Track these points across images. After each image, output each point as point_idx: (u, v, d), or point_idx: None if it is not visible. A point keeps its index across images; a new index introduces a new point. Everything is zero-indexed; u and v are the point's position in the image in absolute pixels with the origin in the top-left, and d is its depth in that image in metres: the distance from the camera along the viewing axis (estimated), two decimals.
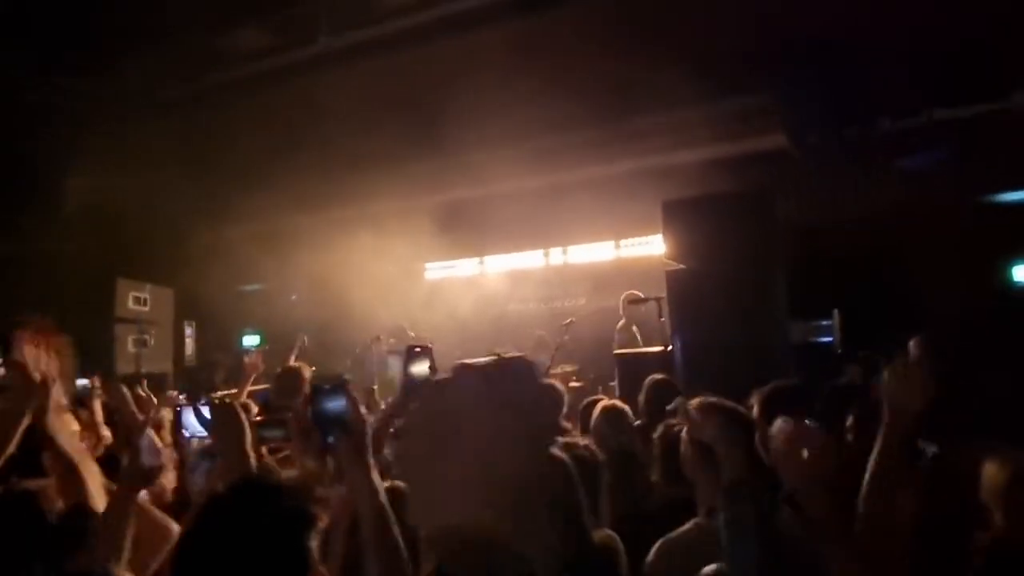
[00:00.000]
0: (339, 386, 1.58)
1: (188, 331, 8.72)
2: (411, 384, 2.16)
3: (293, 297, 10.88)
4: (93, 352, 3.64)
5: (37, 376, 1.95)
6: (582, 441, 2.41)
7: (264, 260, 9.77)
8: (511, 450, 1.09)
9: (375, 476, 1.48)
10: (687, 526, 1.93)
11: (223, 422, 1.75)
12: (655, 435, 2.59)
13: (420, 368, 2.15)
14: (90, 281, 8.28)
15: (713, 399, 2.06)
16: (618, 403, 3.32)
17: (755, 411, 2.18)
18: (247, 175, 9.33)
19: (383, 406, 4.56)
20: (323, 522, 1.28)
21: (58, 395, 2.04)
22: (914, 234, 6.21)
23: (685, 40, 6.01)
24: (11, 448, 1.92)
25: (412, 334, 7.60)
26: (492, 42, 7.73)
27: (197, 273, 9.26)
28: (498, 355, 1.23)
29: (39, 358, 2.05)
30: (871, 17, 5.21)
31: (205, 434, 1.91)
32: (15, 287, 9.64)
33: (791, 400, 2.22)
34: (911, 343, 3.79)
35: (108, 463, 2.41)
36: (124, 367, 7.62)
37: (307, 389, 3.68)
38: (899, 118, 6.11)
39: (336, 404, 1.54)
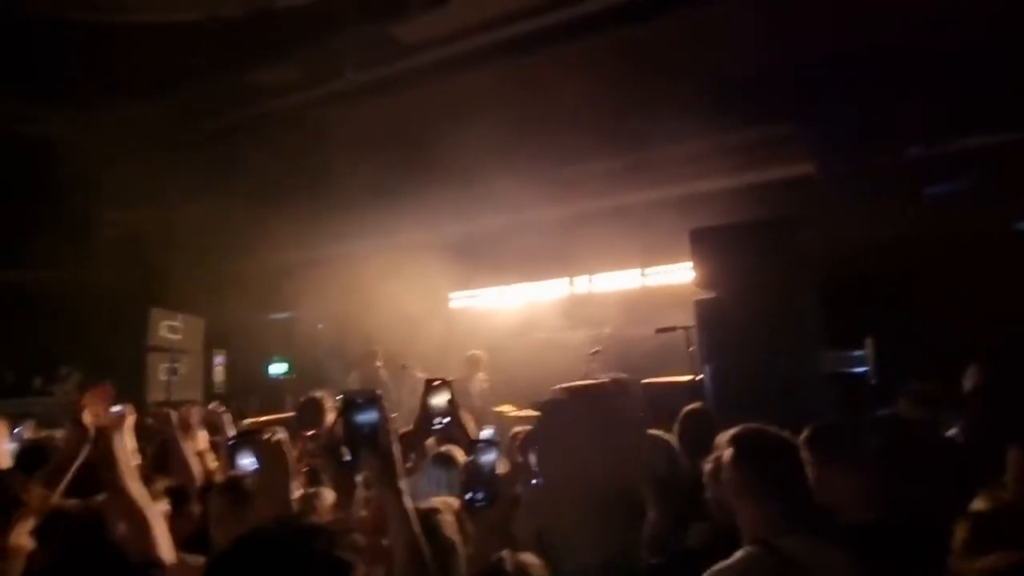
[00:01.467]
0: (372, 400, 1.56)
1: (218, 359, 8.84)
2: (429, 416, 2.18)
3: (320, 326, 10.99)
4: (125, 380, 3.70)
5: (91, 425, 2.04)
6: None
7: (291, 289, 9.92)
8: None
9: (407, 501, 1.47)
10: (737, 555, 1.89)
11: (269, 460, 1.78)
12: (707, 462, 2.56)
13: (439, 400, 2.19)
14: (124, 310, 8.46)
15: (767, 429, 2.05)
16: (661, 433, 3.27)
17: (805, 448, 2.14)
18: (275, 206, 9.53)
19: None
20: (360, 572, 1.22)
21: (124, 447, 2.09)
22: (944, 262, 6.11)
23: (711, 67, 6.07)
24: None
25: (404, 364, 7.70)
26: (516, 72, 7.89)
27: (227, 302, 9.43)
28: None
29: (98, 412, 2.14)
30: (898, 43, 5.22)
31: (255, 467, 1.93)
32: (53, 316, 9.91)
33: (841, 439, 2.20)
34: (969, 373, 3.71)
35: None
36: (155, 395, 7.73)
37: (329, 418, 3.71)
38: (927, 145, 6.07)
39: (368, 417, 1.53)
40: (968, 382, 4.25)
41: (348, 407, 1.56)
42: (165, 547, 1.88)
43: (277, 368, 11.37)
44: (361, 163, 8.64)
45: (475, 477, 1.79)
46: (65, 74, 8.62)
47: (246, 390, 10.32)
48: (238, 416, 7.92)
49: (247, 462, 2.04)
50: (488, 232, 9.11)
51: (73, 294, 10.13)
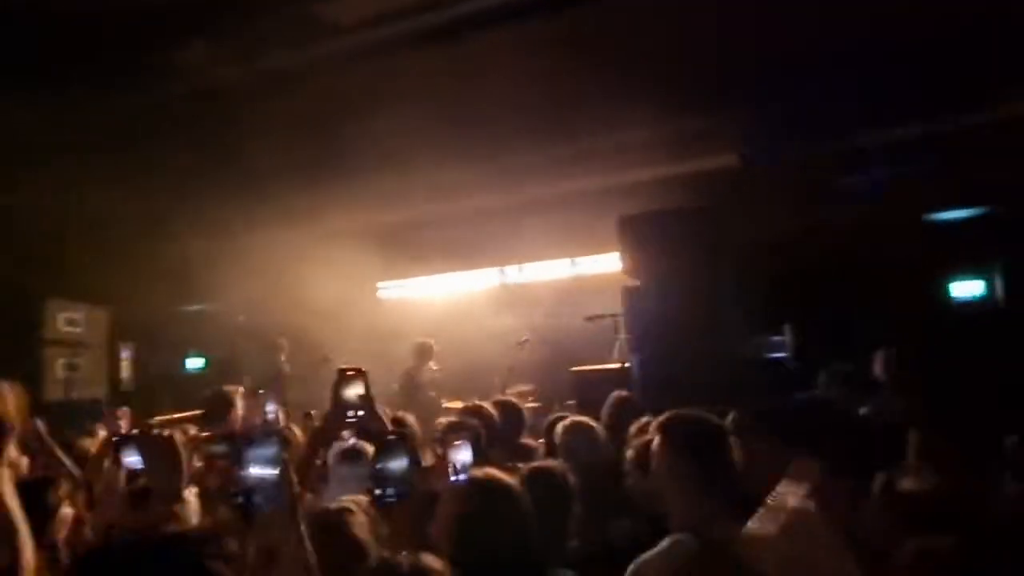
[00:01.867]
0: (271, 435, 1.61)
1: (125, 353, 8.27)
2: (342, 409, 2.07)
3: (240, 318, 10.49)
4: (18, 378, 3.36)
5: None
6: (552, 462, 2.34)
7: (208, 279, 9.40)
8: None
9: (306, 543, 1.53)
10: (664, 544, 1.84)
11: (156, 456, 1.63)
12: (630, 446, 2.54)
13: (353, 392, 2.07)
14: (16, 301, 7.78)
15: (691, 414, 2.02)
16: (586, 419, 3.25)
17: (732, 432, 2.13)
18: (189, 190, 9.00)
19: None
20: None
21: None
22: (858, 250, 6.40)
23: (642, 58, 6.09)
24: None
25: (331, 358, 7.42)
26: (448, 60, 7.72)
27: (135, 292, 8.83)
28: None
29: None
30: (818, 36, 5.37)
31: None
32: None
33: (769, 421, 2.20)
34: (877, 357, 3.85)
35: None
36: (53, 393, 7.15)
37: (237, 415, 3.51)
38: (844, 138, 6.32)
39: (268, 473, 1.55)
40: (878, 366, 4.45)
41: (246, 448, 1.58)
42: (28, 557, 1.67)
43: (194, 363, 10.80)
44: (286, 147, 8.26)
45: (384, 473, 1.69)
46: None
47: (157, 386, 9.73)
48: (145, 414, 7.47)
49: (133, 460, 1.87)
50: (417, 220, 8.92)
51: None
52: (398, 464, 1.69)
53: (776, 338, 5.66)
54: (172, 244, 9.52)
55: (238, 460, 1.60)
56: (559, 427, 3.17)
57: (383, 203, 8.60)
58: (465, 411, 3.08)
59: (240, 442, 1.83)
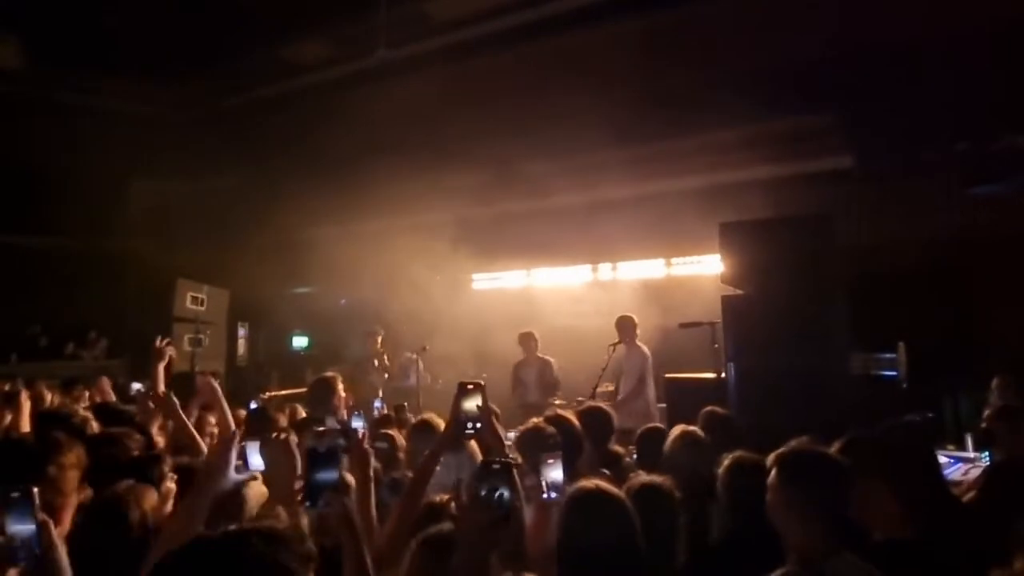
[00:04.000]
0: (333, 452, 1.65)
1: (241, 332, 8.93)
2: (461, 421, 2.14)
3: (342, 302, 11.04)
4: (150, 350, 3.76)
5: None
6: (658, 478, 2.32)
7: (315, 265, 9.95)
8: None
9: (365, 550, 1.59)
10: (776, 574, 1.83)
11: (276, 460, 1.76)
12: (722, 466, 2.49)
13: (471, 404, 2.14)
14: (152, 280, 8.58)
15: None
16: (696, 430, 3.18)
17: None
18: (301, 181, 9.55)
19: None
20: None
21: None
22: (983, 263, 5.88)
23: (747, 54, 5.86)
24: None
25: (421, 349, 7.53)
26: (545, 55, 7.73)
27: (251, 275, 9.50)
28: None
29: None
30: (947, 36, 4.96)
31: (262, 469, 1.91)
32: (84, 284, 10.12)
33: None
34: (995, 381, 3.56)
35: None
36: (180, 365, 7.83)
37: (339, 399, 3.71)
38: (974, 142, 5.81)
39: (327, 475, 1.62)
40: (1001, 392, 4.11)
41: (310, 460, 1.64)
42: None
43: (299, 341, 11.48)
44: (390, 141, 8.59)
45: (491, 498, 1.73)
46: (101, 44, 8.70)
47: (267, 363, 10.44)
48: (258, 389, 8.05)
49: (256, 462, 2.00)
50: (513, 215, 9.03)
51: (104, 263, 10.32)
52: (506, 491, 1.73)
53: (887, 355, 5.33)
54: (285, 232, 10.15)
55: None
56: (673, 435, 3.12)
57: (480, 196, 8.77)
58: (550, 421, 3.11)
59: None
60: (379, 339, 7.72)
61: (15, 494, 1.53)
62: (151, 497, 1.89)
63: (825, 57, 5.50)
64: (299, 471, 1.75)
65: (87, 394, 5.15)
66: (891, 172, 5.89)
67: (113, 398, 4.85)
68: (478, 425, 2.17)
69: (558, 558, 1.80)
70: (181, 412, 2.99)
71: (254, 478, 1.93)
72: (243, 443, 1.78)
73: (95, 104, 9.76)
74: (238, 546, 1.10)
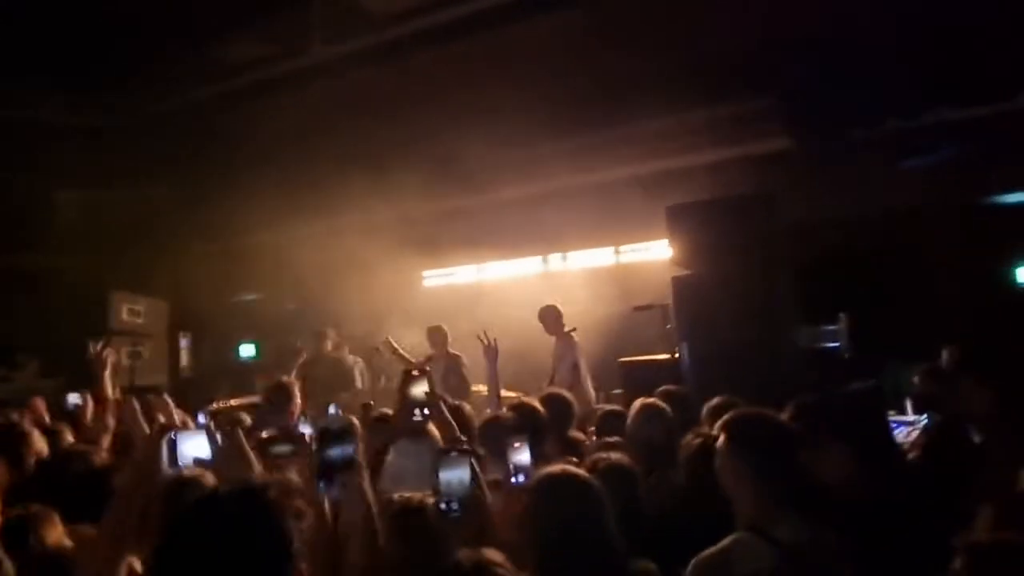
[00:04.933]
0: (346, 431, 1.66)
1: (183, 343, 8.60)
2: (409, 407, 2.12)
3: (290, 307, 10.76)
4: (86, 366, 3.57)
5: None
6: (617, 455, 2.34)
7: (259, 270, 9.66)
8: None
9: (373, 516, 1.64)
10: (725, 542, 1.83)
11: (229, 453, 1.69)
12: (683, 441, 2.52)
13: (418, 391, 2.12)
14: (84, 294, 8.16)
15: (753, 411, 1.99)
16: (656, 401, 3.19)
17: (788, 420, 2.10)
18: (240, 185, 9.24)
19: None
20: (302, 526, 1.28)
21: None
22: (919, 236, 6.14)
23: (684, 41, 5.95)
24: None
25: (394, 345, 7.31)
26: (484, 48, 7.70)
27: (191, 284, 9.15)
28: None
29: None
30: (875, 13, 5.15)
31: (204, 459, 1.81)
32: (12, 301, 9.53)
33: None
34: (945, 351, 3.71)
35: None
36: (119, 379, 7.48)
37: (296, 406, 3.63)
38: (904, 118, 6.05)
39: (342, 452, 1.64)
40: (946, 360, 4.29)
41: (322, 439, 1.65)
42: None
43: (247, 350, 11.14)
44: (330, 140, 8.40)
45: (448, 486, 1.71)
46: (22, 57, 8.23)
47: (214, 374, 10.08)
48: (206, 400, 7.75)
49: (195, 453, 1.91)
50: (461, 210, 8.97)
51: (29, 279, 9.75)
52: (461, 477, 1.72)
53: (830, 328, 5.51)
54: (225, 238, 9.82)
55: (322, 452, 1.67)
56: (633, 409, 3.12)
57: (427, 193, 8.67)
58: (513, 408, 3.08)
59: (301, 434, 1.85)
60: (328, 341, 7.53)
61: (415, 372, 1.64)
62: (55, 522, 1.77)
63: (760, 42, 5.64)
64: (253, 465, 1.69)
65: (21, 417, 4.84)
66: (827, 151, 6.10)
67: (47, 418, 4.60)
68: (427, 411, 2.15)
69: (531, 544, 1.77)
70: (142, 419, 2.81)
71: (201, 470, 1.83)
72: (173, 436, 1.69)
73: (13, 115, 9.22)
74: (245, 502, 1.18)
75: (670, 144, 7.04)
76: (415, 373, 2.16)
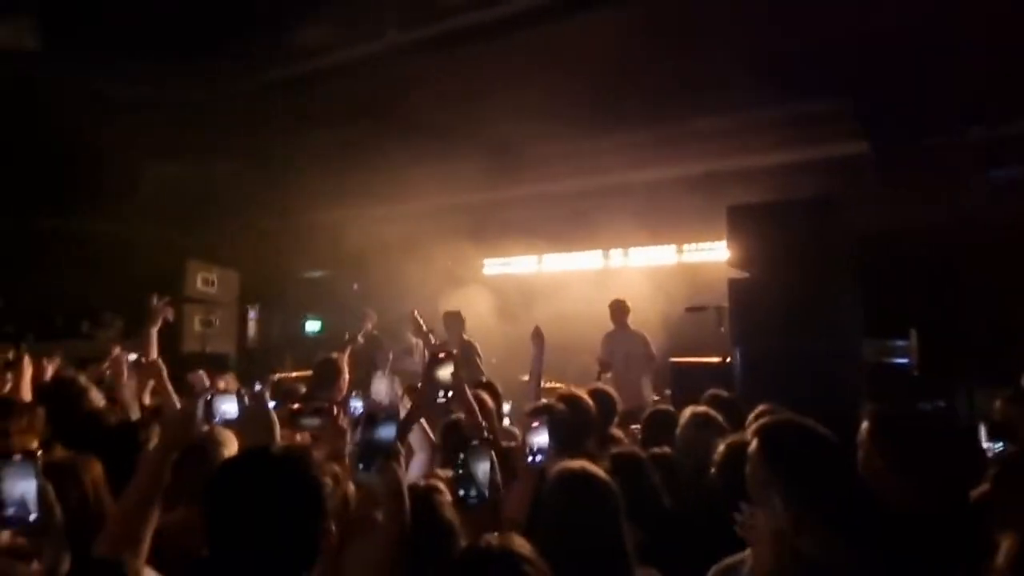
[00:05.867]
0: (392, 416, 1.73)
1: (251, 314, 9.00)
2: (434, 389, 2.15)
3: (355, 286, 11.08)
4: (162, 330, 3.78)
5: None
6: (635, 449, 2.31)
7: (326, 249, 9.98)
8: None
9: (404, 506, 1.69)
10: (746, 553, 1.79)
11: (252, 415, 1.76)
12: (717, 451, 2.46)
13: (444, 373, 2.15)
14: (163, 262, 8.66)
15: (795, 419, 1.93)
16: (707, 410, 3.13)
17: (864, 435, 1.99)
18: (315, 166, 9.56)
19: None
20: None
21: None
22: (999, 250, 5.73)
23: (757, 38, 5.73)
24: None
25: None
26: (554, 39, 7.65)
27: (262, 258, 9.55)
28: None
29: None
30: (965, 13, 4.81)
31: (231, 419, 1.91)
32: (100, 265, 10.24)
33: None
34: None
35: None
36: (190, 346, 7.92)
37: (344, 382, 3.72)
38: (989, 126, 5.64)
39: (387, 433, 1.71)
40: None
41: (369, 422, 1.73)
42: None
43: (312, 326, 11.55)
44: (401, 126, 8.56)
45: (469, 477, 1.73)
46: (114, 28, 8.75)
47: (280, 346, 10.51)
48: (269, 371, 8.11)
49: (228, 412, 2.00)
50: (524, 200, 8.98)
51: (118, 244, 10.43)
52: (482, 467, 1.73)
53: (899, 342, 5.23)
54: (297, 215, 10.19)
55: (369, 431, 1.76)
56: (684, 417, 3.07)
57: (492, 181, 8.73)
58: (563, 399, 3.08)
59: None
60: (368, 322, 7.66)
61: (16, 457, 1.53)
62: (94, 468, 1.88)
63: (837, 41, 5.35)
64: (274, 429, 1.76)
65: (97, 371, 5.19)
66: (904, 157, 5.75)
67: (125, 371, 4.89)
68: (450, 394, 2.18)
69: (541, 536, 1.78)
70: (167, 380, 2.96)
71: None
72: (212, 397, 1.78)
73: (108, 87, 9.82)
74: (282, 464, 1.30)
75: (736, 143, 6.82)
76: (442, 355, 2.18)
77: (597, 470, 1.92)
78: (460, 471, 1.70)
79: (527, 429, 2.02)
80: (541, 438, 2.02)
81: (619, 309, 6.64)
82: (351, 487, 1.85)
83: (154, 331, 3.42)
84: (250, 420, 1.79)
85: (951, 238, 5.52)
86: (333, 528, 1.34)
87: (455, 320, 6.66)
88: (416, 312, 6.14)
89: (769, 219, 4.55)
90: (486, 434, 2.12)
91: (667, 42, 6.30)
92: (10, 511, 1.50)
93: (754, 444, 1.96)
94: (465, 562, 1.48)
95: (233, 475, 1.33)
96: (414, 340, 7.63)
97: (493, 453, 1.76)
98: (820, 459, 1.88)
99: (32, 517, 1.50)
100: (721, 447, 2.40)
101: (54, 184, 9.75)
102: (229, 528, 1.26)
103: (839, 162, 6.17)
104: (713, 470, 2.37)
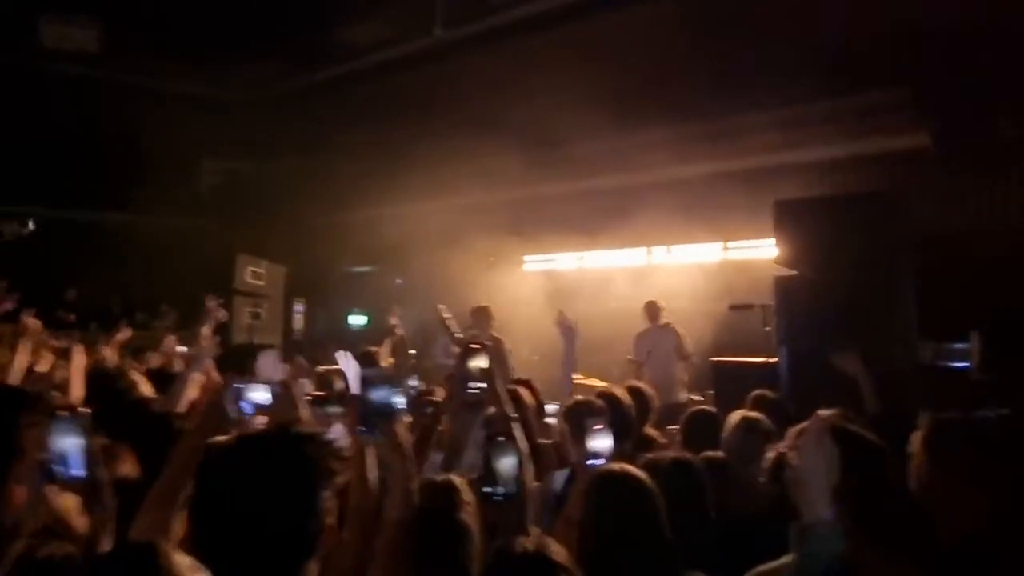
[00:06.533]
0: (387, 379, 1.69)
1: (298, 307, 9.22)
2: (465, 380, 2.12)
3: (398, 281, 11.22)
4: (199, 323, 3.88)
5: None
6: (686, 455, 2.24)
7: (371, 244, 10.13)
8: None
9: (410, 465, 1.65)
10: (786, 559, 1.71)
11: (284, 402, 1.77)
12: (765, 458, 2.36)
13: (475, 365, 2.12)
14: (215, 255, 8.94)
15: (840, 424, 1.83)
16: (755, 415, 3.04)
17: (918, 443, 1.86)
18: (360, 162, 9.72)
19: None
20: (340, 477, 1.33)
21: None
22: None
23: (807, 26, 5.52)
24: None
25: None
26: (595, 33, 7.57)
27: (309, 253, 9.76)
28: None
29: None
30: None
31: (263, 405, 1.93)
32: (157, 257, 10.66)
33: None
34: None
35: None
36: (239, 337, 8.16)
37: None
38: None
39: (380, 395, 1.65)
40: None
41: (363, 385, 1.70)
42: None
43: (357, 320, 11.74)
44: (445, 124, 8.62)
45: (493, 473, 1.70)
46: (173, 29, 9.08)
47: (324, 339, 10.73)
48: (313, 363, 8.27)
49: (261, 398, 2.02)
50: (565, 196, 8.92)
51: (174, 237, 10.83)
52: (507, 462, 1.69)
53: (959, 345, 4.97)
54: (343, 212, 10.37)
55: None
56: (732, 421, 3.00)
57: (536, 177, 8.71)
58: (602, 397, 3.03)
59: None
60: (394, 317, 7.69)
61: (64, 413, 1.54)
62: (125, 455, 1.91)
63: (894, 26, 5.11)
64: (299, 409, 1.76)
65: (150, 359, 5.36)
66: (967, 151, 5.45)
67: (177, 358, 5.03)
68: (482, 386, 2.14)
69: (583, 541, 1.73)
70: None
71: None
72: (237, 385, 1.79)
73: (167, 86, 10.22)
74: (288, 444, 1.21)
75: (785, 137, 6.60)
76: (474, 346, 2.16)
77: (634, 469, 1.87)
78: (485, 466, 1.67)
79: (588, 432, 1.97)
80: (601, 441, 1.96)
81: (651, 308, 6.67)
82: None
83: (208, 330, 3.54)
84: (280, 407, 1.80)
85: (1013, 237, 5.21)
86: (333, 520, 1.26)
87: (484, 315, 6.63)
88: (441, 307, 6.15)
89: (819, 215, 4.39)
90: (515, 428, 2.09)
91: (711, 34, 6.16)
92: (57, 466, 1.51)
93: (795, 445, 1.87)
94: (498, 564, 1.44)
95: (219, 457, 1.25)
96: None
97: (522, 448, 1.72)
98: (868, 466, 1.78)
99: (78, 473, 1.51)
100: (773, 455, 2.31)
101: (116, 181, 10.18)
102: (213, 515, 1.18)
103: (895, 157, 5.90)
104: (764, 478, 2.28)
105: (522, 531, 1.62)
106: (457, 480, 1.78)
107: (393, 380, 1.70)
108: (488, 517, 1.74)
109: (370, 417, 1.64)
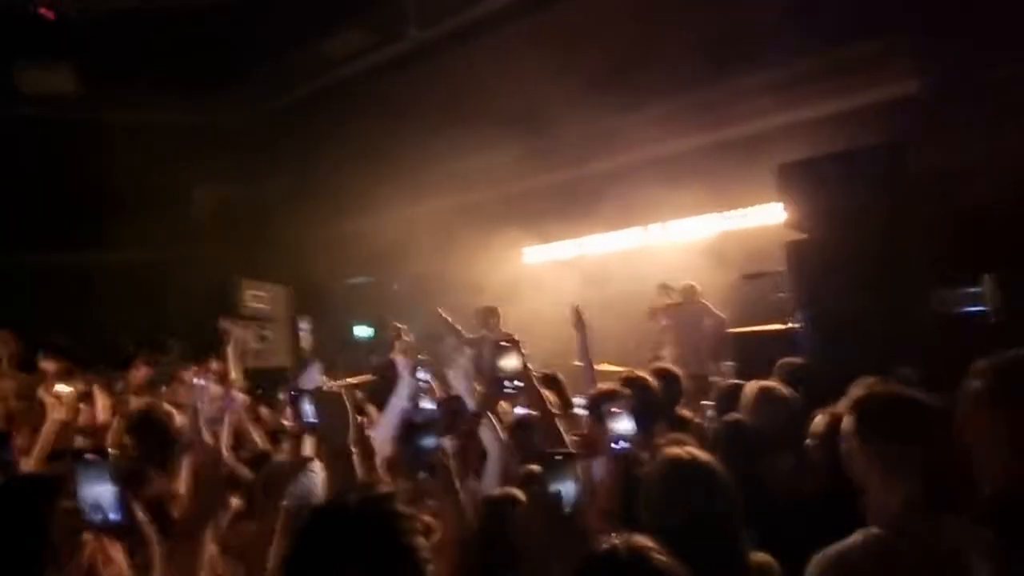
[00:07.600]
0: (431, 424, 1.74)
1: (304, 325, 9.15)
2: (499, 379, 2.08)
3: (395, 287, 11.17)
4: (220, 349, 3.85)
5: None
6: None
7: (368, 253, 10.06)
8: None
9: (467, 512, 1.67)
10: (855, 538, 1.63)
11: (329, 411, 1.73)
12: (814, 423, 2.32)
13: (509, 363, 2.06)
14: (216, 282, 8.86)
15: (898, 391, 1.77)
16: (774, 385, 2.98)
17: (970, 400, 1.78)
18: (349, 172, 9.65)
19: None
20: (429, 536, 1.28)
21: None
22: None
23: None
24: None
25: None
26: (574, 14, 7.51)
27: (309, 269, 9.69)
28: None
29: None
30: None
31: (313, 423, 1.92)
32: (156, 290, 10.57)
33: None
34: None
35: None
36: (249, 362, 8.07)
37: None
38: None
39: (429, 443, 1.70)
40: None
41: (410, 433, 1.74)
42: None
43: (362, 331, 11.67)
44: (432, 122, 8.56)
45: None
46: (148, 61, 9.01)
47: (332, 353, 10.67)
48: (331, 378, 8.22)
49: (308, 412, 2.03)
50: (559, 184, 8.87)
51: (173, 269, 10.75)
52: (567, 487, 1.54)
53: (972, 289, 4.94)
54: (338, 223, 10.30)
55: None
56: (750, 393, 2.91)
57: (523, 168, 8.65)
58: (624, 380, 2.99)
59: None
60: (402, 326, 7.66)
61: (90, 457, 1.52)
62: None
63: None
64: (352, 425, 1.71)
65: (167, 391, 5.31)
66: (964, 92, 5.41)
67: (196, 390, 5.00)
68: (517, 383, 2.08)
69: (651, 532, 1.68)
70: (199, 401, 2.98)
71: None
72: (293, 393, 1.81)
73: (149, 118, 10.12)
74: (375, 520, 1.12)
75: (776, 98, 6.55)
76: (505, 344, 2.09)
77: (702, 454, 1.80)
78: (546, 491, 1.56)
79: (607, 416, 1.95)
80: (622, 424, 1.94)
81: (688, 291, 6.71)
82: None
83: (231, 350, 3.50)
84: (327, 418, 1.76)
85: (1019, 175, 5.17)
86: None
87: (490, 315, 6.58)
88: (441, 310, 6.09)
89: (825, 173, 4.34)
90: (568, 449, 2.03)
91: (690, 4, 6.10)
92: (92, 513, 1.49)
93: (850, 421, 1.79)
94: (594, 570, 1.34)
95: (310, 534, 1.16)
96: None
97: (578, 467, 1.63)
98: (927, 433, 1.70)
99: (115, 518, 1.49)
100: (820, 421, 2.26)
101: (110, 219, 10.06)
102: None
103: (891, 106, 5.86)
104: (810, 444, 2.24)
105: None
106: (516, 493, 1.74)
107: (435, 425, 1.75)
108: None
109: (418, 462, 1.70)
